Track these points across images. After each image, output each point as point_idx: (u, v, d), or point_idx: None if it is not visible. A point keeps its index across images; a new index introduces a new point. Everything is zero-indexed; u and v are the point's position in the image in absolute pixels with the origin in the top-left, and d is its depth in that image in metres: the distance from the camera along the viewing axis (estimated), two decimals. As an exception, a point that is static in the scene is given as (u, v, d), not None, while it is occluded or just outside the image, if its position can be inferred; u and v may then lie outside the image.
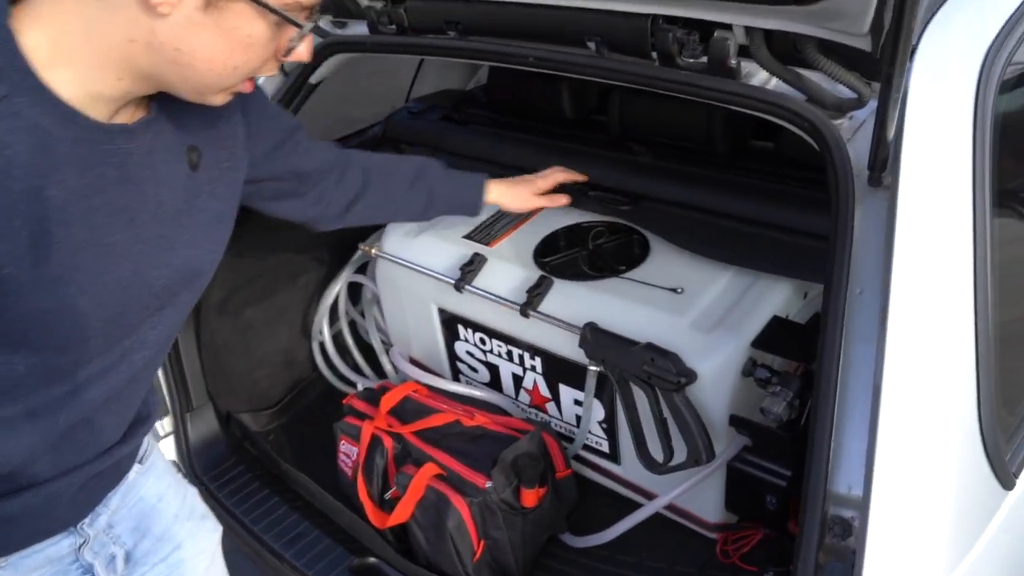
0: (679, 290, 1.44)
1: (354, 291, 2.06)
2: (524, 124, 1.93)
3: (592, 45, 1.24)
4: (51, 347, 0.81)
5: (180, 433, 1.76)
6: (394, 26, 1.49)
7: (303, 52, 0.83)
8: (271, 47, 0.80)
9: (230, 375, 1.86)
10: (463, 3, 1.37)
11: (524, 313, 1.48)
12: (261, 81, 1.67)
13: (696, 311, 1.39)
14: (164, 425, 1.76)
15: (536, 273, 1.54)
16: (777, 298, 1.41)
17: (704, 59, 1.14)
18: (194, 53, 0.76)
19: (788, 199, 1.49)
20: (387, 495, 1.49)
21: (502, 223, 1.72)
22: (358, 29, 1.60)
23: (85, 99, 0.75)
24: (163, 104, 0.85)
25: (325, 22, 1.65)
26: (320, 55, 1.61)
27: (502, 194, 1.50)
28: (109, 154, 0.79)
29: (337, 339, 2.01)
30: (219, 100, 0.84)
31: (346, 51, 1.59)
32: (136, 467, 1.07)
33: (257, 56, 0.80)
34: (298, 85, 1.67)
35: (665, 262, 1.53)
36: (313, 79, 1.68)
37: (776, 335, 1.34)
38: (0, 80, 0.69)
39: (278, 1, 0.76)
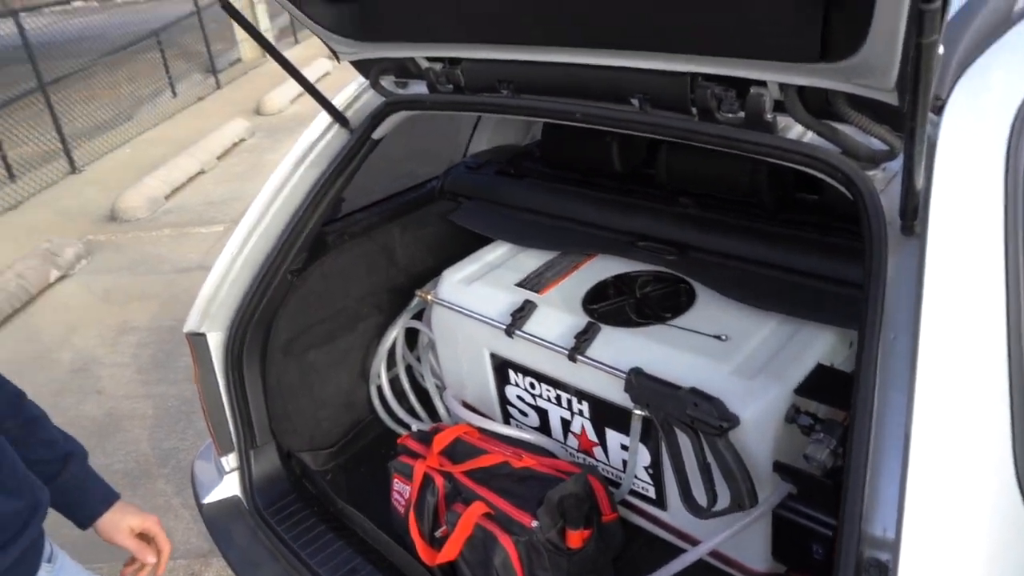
0: (723, 337, 1.47)
1: (411, 336, 2.14)
2: (576, 178, 2.00)
3: (635, 102, 1.31)
4: None
5: (244, 469, 1.85)
6: (451, 85, 1.59)
7: None
8: None
9: (293, 415, 1.95)
10: (515, 64, 1.45)
11: (572, 358, 1.53)
12: (327, 138, 1.79)
13: (740, 357, 1.41)
14: (229, 461, 1.85)
15: (584, 320, 1.59)
16: (821, 346, 1.42)
17: (741, 114, 1.19)
18: None
19: (833, 249, 1.51)
20: (437, 533, 1.53)
21: (553, 271, 1.78)
22: (418, 89, 1.71)
23: None
24: None
25: (388, 82, 1.76)
26: (382, 113, 1.72)
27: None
28: None
29: (394, 383, 2.09)
30: None
31: (406, 109, 1.70)
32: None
33: None
34: (362, 140, 1.78)
35: (710, 310, 1.56)
36: (376, 135, 1.79)
37: (820, 382, 1.35)
38: None
39: None
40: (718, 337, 1.47)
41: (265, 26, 12.06)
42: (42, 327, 4.43)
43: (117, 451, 3.23)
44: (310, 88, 1.70)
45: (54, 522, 1.15)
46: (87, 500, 1.21)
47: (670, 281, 1.68)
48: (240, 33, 12.05)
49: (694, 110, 1.23)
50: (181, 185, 6.56)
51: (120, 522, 1.22)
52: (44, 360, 4.05)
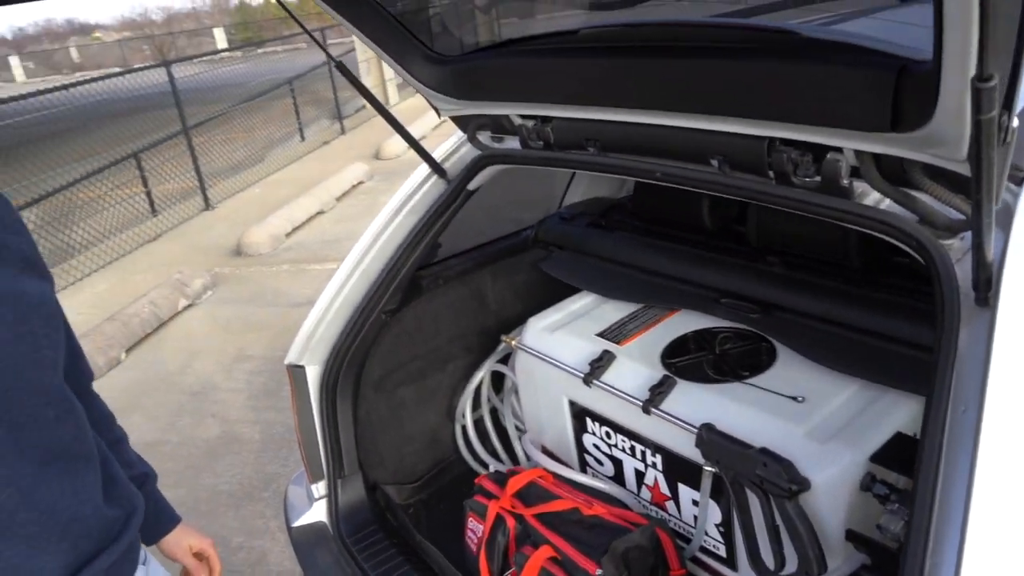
0: (800, 399, 1.46)
1: (497, 380, 2.21)
2: (666, 232, 2.03)
3: (715, 163, 1.34)
4: None
5: (332, 497, 1.94)
6: (541, 142, 1.66)
7: None
8: None
9: (380, 448, 2.04)
10: (602, 123, 1.52)
11: (646, 410, 1.55)
12: (426, 188, 1.90)
13: (814, 421, 1.40)
14: (319, 488, 1.95)
15: (661, 373, 1.61)
16: (903, 414, 1.39)
17: (817, 178, 1.20)
18: None
19: (921, 315, 1.47)
20: (506, 574, 1.57)
21: (635, 323, 1.81)
22: (512, 144, 1.80)
23: None
24: None
25: (485, 137, 1.86)
26: (477, 165, 1.82)
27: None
28: None
29: (478, 424, 2.15)
30: None
31: (500, 163, 1.79)
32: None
33: None
34: (457, 190, 1.88)
35: (790, 371, 1.55)
36: (471, 186, 1.89)
37: (898, 452, 1.32)
38: None
39: None
40: (794, 398, 1.46)
41: (390, 78, 12.70)
42: (168, 351, 4.78)
43: (224, 472, 3.43)
44: (411, 141, 1.82)
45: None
46: (157, 518, 1.32)
47: (751, 339, 1.67)
48: (366, 82, 12.71)
49: (771, 173, 1.26)
50: (302, 224, 6.95)
51: (182, 540, 1.33)
52: (167, 382, 4.36)
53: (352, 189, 7.99)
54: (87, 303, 5.66)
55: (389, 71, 12.61)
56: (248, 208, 7.79)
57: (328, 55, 1.76)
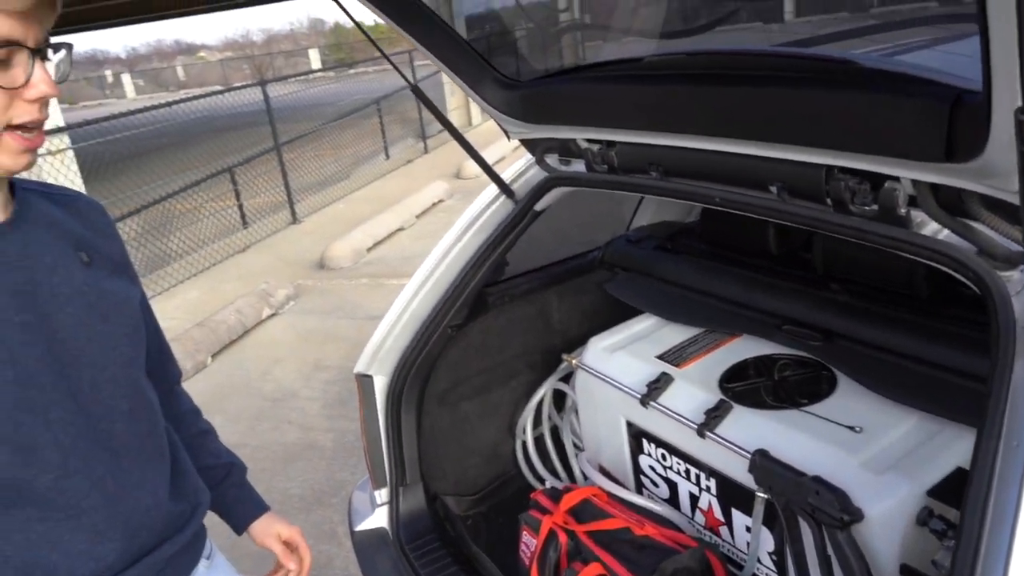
0: (858, 429, 1.44)
1: (559, 398, 2.24)
2: (731, 257, 2.03)
3: (774, 189, 1.35)
4: None
5: (393, 504, 2.01)
6: (606, 165, 1.70)
7: (37, 84, 0.91)
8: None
9: (442, 460, 2.10)
10: (664, 148, 1.54)
11: (700, 433, 1.55)
12: (494, 207, 1.96)
13: (871, 451, 1.38)
14: (381, 495, 2.02)
15: (718, 397, 1.61)
16: (964, 449, 1.35)
17: (875, 207, 1.20)
18: None
19: (986, 348, 1.44)
20: (556, 589, 1.60)
21: (695, 347, 1.82)
22: (578, 167, 1.84)
23: None
24: (23, 203, 1.05)
25: (552, 159, 1.91)
26: (543, 187, 1.87)
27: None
28: None
29: (538, 440, 2.19)
30: (10, 163, 0.94)
31: (565, 185, 1.83)
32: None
33: None
34: (524, 211, 1.93)
35: (850, 401, 1.53)
36: (538, 207, 1.94)
37: (958, 487, 1.28)
38: None
39: None
40: (852, 428, 1.44)
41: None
42: (251, 358, 4.99)
43: (297, 477, 3.56)
44: (481, 162, 1.88)
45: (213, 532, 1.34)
46: (245, 507, 1.39)
47: (811, 367, 1.66)
48: (451, 103, 13.01)
49: (829, 201, 1.26)
50: (382, 239, 7.15)
51: (270, 528, 1.39)
52: (249, 387, 4.56)
53: (432, 207, 8.17)
54: (179, 309, 5.97)
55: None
56: (332, 223, 8.06)
57: (406, 79, 1.84)
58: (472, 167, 9.38)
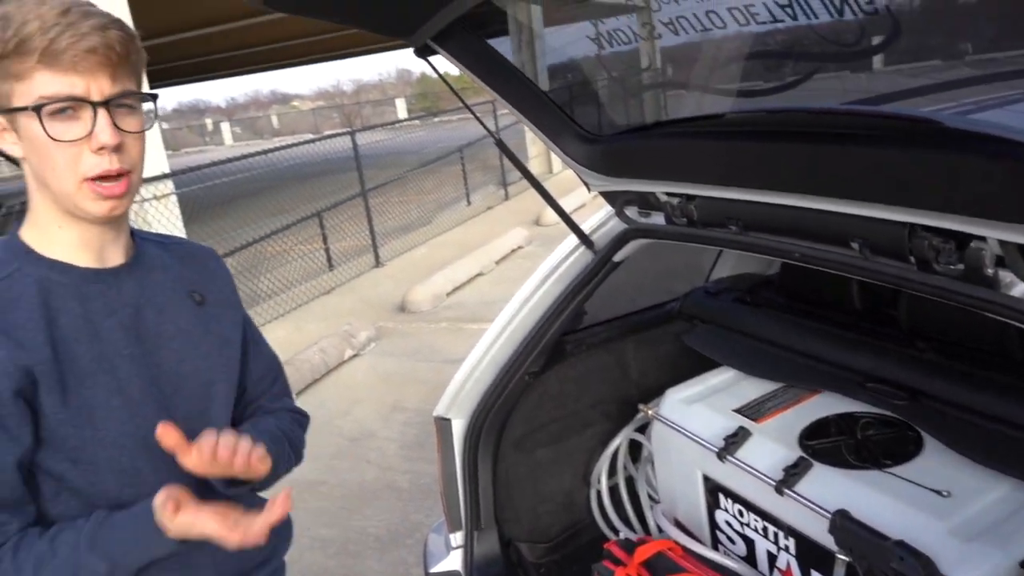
0: (946, 493, 1.39)
1: (634, 448, 2.23)
2: (812, 311, 2.01)
3: (855, 246, 1.35)
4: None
5: (468, 548, 2.03)
6: (685, 219, 1.72)
7: (98, 136, 0.99)
8: (63, 142, 0.99)
9: (517, 506, 2.12)
10: (744, 203, 1.56)
11: (779, 490, 1.53)
12: (574, 257, 2.00)
13: (961, 517, 1.33)
14: (456, 538, 2.05)
15: (797, 454, 1.59)
16: (1061, 519, 1.30)
17: (960, 266, 1.19)
18: (40, 173, 1.02)
19: (1087, 414, 1.38)
20: (628, 643, 1.58)
21: (774, 402, 1.80)
22: (657, 219, 1.86)
23: (71, 254, 1.08)
24: (139, 251, 1.16)
25: (632, 211, 1.94)
26: (623, 239, 1.90)
27: None
28: (102, 290, 1.09)
29: (613, 491, 2.18)
30: (94, 209, 1.03)
31: (644, 237, 1.86)
32: None
33: (65, 152, 0.99)
34: (603, 261, 1.96)
35: (937, 463, 1.49)
36: (616, 257, 1.96)
37: (1054, 559, 1.23)
38: (15, 262, 1.06)
39: (25, 101, 0.98)
40: (939, 492, 1.40)
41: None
42: (332, 397, 5.12)
43: (373, 516, 3.62)
44: (561, 213, 1.93)
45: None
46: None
47: (896, 427, 1.62)
48: (531, 151, 13.23)
49: (912, 259, 1.25)
50: (462, 284, 7.28)
51: None
52: (329, 426, 4.67)
53: (511, 253, 8.28)
54: (267, 347, 6.18)
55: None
56: (414, 267, 8.26)
57: (489, 132, 1.92)
58: (552, 215, 9.46)
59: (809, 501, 1.48)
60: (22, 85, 0.98)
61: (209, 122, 51.74)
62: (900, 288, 1.32)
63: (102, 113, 1.00)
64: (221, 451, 1.04)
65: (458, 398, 2.02)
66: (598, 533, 2.18)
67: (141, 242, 1.19)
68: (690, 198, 1.70)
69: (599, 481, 2.17)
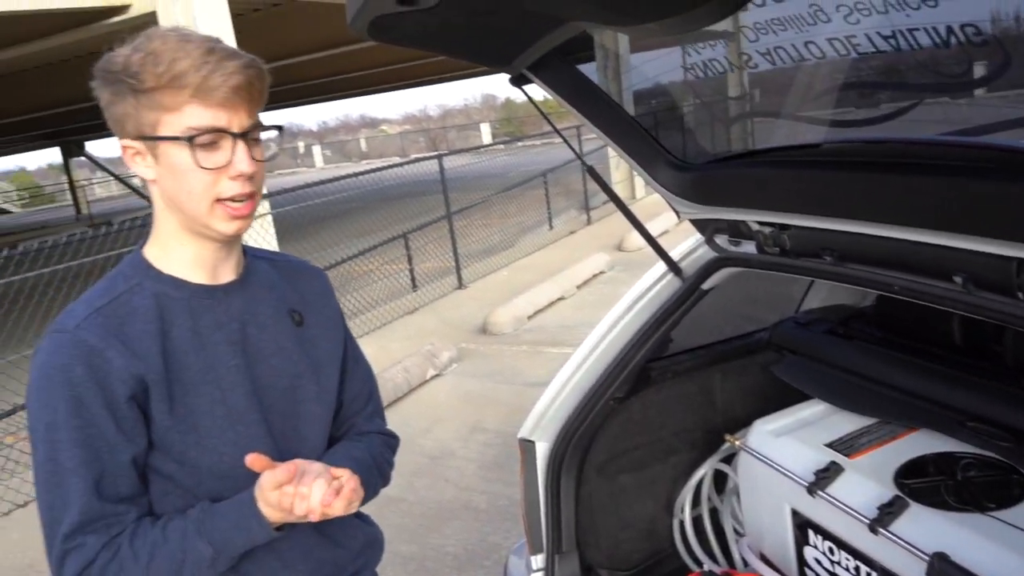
0: (1055, 541, 1.33)
1: (719, 479, 2.20)
2: (910, 346, 1.95)
3: (959, 280, 1.31)
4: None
5: (549, 571, 2.04)
6: (778, 248, 1.71)
7: (237, 164, 1.09)
8: (207, 169, 1.08)
9: (598, 531, 2.11)
10: (839, 233, 1.53)
11: (873, 529, 1.49)
12: (661, 284, 2.00)
13: (1071, 567, 1.27)
14: (537, 561, 2.06)
15: (893, 492, 1.54)
16: None
17: (1074, 304, 1.14)
18: (174, 195, 1.10)
19: None
20: (711, 677, 1.56)
21: (868, 438, 1.75)
22: (748, 248, 1.85)
23: (186, 271, 1.16)
24: (249, 269, 1.23)
25: (722, 240, 1.93)
26: (712, 267, 1.89)
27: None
28: (211, 306, 1.16)
29: (696, 521, 2.15)
30: (224, 228, 1.12)
31: (734, 265, 1.85)
32: None
33: (204, 178, 1.08)
34: (691, 289, 1.96)
35: (1045, 509, 1.42)
36: (705, 285, 1.96)
37: None
38: (136, 276, 1.15)
39: (174, 131, 1.06)
40: (1048, 539, 1.33)
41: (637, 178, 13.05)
42: (414, 415, 5.21)
43: (451, 536, 3.66)
44: (650, 240, 1.94)
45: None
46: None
47: (1000, 469, 1.55)
48: (615, 176, 13.22)
49: (1021, 295, 1.21)
50: (543, 308, 7.31)
51: None
52: (410, 444, 4.75)
53: (593, 278, 8.27)
54: (351, 364, 6.34)
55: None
56: (495, 289, 8.35)
57: (580, 158, 1.95)
58: (634, 240, 9.43)
59: (905, 542, 1.43)
60: (172, 116, 1.06)
61: (301, 145, 53.69)
62: (1006, 324, 1.28)
63: (241, 144, 1.09)
64: (326, 498, 1.09)
65: (542, 421, 2.04)
66: (680, 563, 2.15)
67: (252, 259, 1.26)
68: (783, 227, 1.68)
69: (682, 511, 2.15)
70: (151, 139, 1.08)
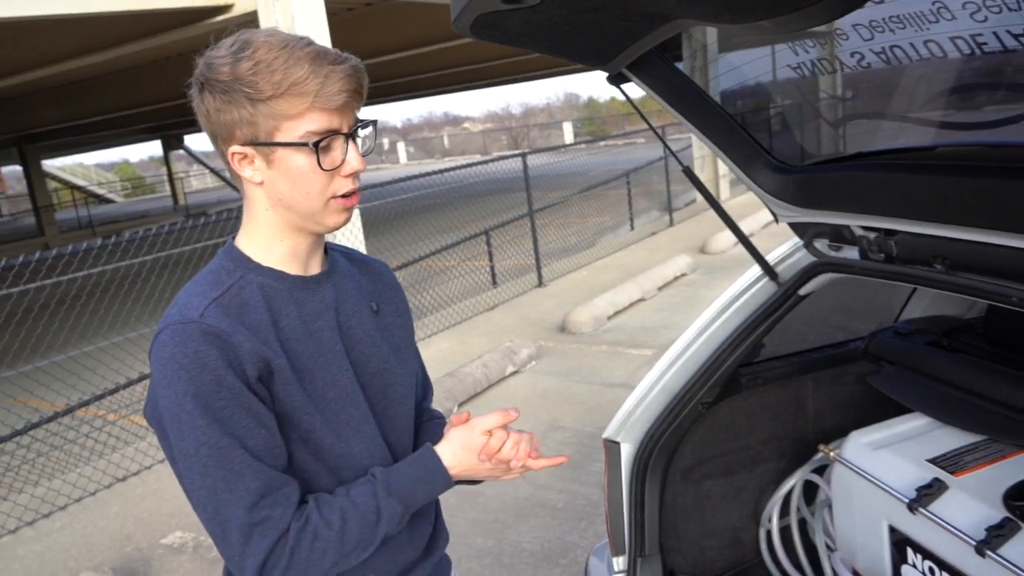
0: None
1: (809, 490, 2.14)
2: (1022, 361, 1.85)
3: (1087, 293, 1.24)
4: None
5: (631, 573, 2.02)
6: (883, 254, 1.65)
7: (350, 162, 1.13)
8: (326, 171, 1.12)
9: (681, 537, 2.08)
10: (954, 241, 1.47)
11: (980, 551, 1.42)
12: (756, 288, 1.95)
13: None
14: (619, 563, 2.04)
15: (1002, 514, 1.47)
16: None
17: None
18: (287, 196, 1.13)
19: None
20: None
21: (975, 455, 1.67)
22: (850, 254, 1.79)
23: (284, 263, 1.19)
24: (331, 261, 1.27)
25: (821, 244, 1.88)
26: (811, 272, 1.84)
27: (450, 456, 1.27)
28: (309, 295, 1.20)
29: (784, 532, 2.10)
30: (335, 221, 1.17)
31: (835, 271, 1.79)
32: None
33: (319, 180, 1.12)
34: (787, 294, 1.91)
35: None
36: (802, 291, 1.91)
37: None
38: (239, 270, 1.17)
39: (293, 136, 1.10)
40: None
41: (723, 174, 12.83)
42: (492, 411, 5.24)
43: (528, 533, 3.67)
44: (746, 242, 1.90)
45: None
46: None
47: (1124, 496, 1.46)
48: (701, 177, 12.99)
49: None
50: (623, 308, 7.25)
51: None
52: (488, 439, 4.78)
53: (674, 280, 8.16)
54: (431, 359, 6.44)
55: (723, 168, 12.76)
56: (575, 288, 8.32)
57: (679, 161, 1.92)
58: (718, 243, 9.26)
59: (1017, 568, 1.36)
60: (292, 123, 1.10)
61: (386, 141, 54.74)
62: None
63: (352, 143, 1.14)
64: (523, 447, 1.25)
65: (628, 422, 2.02)
66: (765, 574, 2.11)
67: (331, 252, 1.31)
68: (889, 233, 1.62)
69: (770, 521, 2.10)
70: (267, 145, 1.11)
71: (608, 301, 7.18)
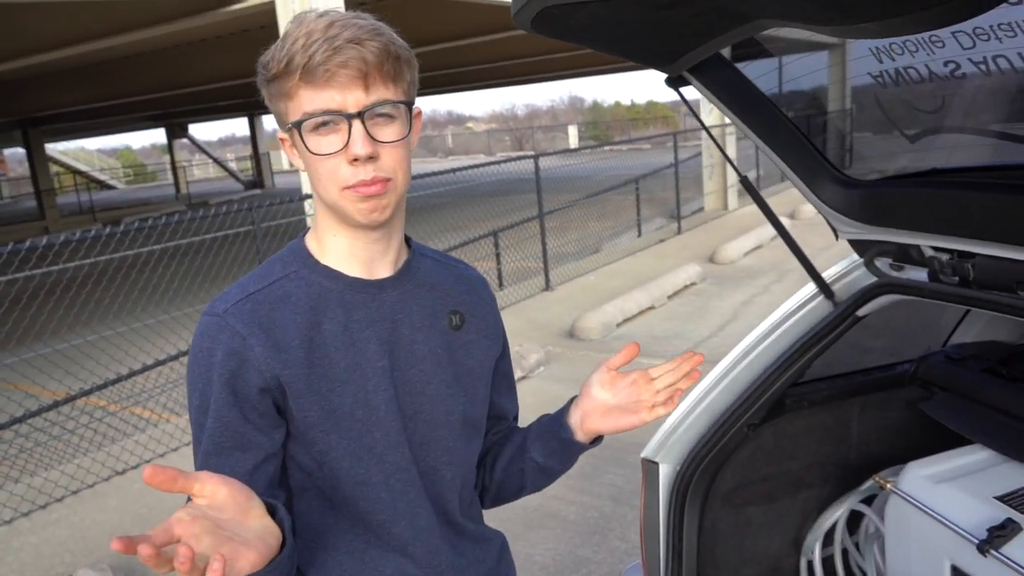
0: None
1: (852, 519, 2.04)
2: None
3: None
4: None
5: (665, 601, 1.93)
6: (957, 278, 1.55)
7: (352, 147, 0.99)
8: (319, 155, 1.02)
9: (719, 563, 1.99)
10: (1042, 267, 1.38)
11: (1061, 600, 1.33)
12: (810, 307, 1.86)
13: None
14: (653, 588, 1.95)
15: (1084, 560, 1.38)
16: None
17: None
18: (312, 183, 1.06)
19: None
20: None
21: (1046, 494, 1.58)
22: (915, 275, 1.70)
23: (341, 263, 1.10)
24: (410, 265, 1.16)
25: (883, 263, 1.79)
26: (873, 292, 1.74)
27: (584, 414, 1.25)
28: (365, 301, 1.10)
29: (827, 562, 2.00)
30: (357, 215, 1.04)
31: (900, 293, 1.70)
32: None
33: (326, 164, 1.01)
34: (844, 315, 1.81)
35: None
36: (861, 312, 1.81)
37: None
38: (295, 264, 1.11)
39: (295, 118, 1.00)
40: None
41: (731, 184, 12.76)
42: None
43: (539, 544, 3.57)
44: (804, 260, 1.81)
45: None
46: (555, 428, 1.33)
47: None
48: (707, 186, 12.93)
49: None
50: (632, 316, 7.16)
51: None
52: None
53: (684, 289, 8.07)
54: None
55: (731, 177, 12.69)
56: (582, 293, 8.23)
57: (737, 172, 1.83)
58: (729, 253, 9.18)
59: (1105, 620, 1.27)
60: (293, 103, 1.01)
61: (389, 138, 54.34)
62: None
63: (356, 125, 0.99)
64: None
65: (668, 442, 1.92)
66: (805, 606, 2.01)
67: (419, 257, 1.19)
68: (965, 255, 1.53)
69: (813, 551, 2.01)
70: (287, 128, 1.05)
71: (617, 308, 7.09)
